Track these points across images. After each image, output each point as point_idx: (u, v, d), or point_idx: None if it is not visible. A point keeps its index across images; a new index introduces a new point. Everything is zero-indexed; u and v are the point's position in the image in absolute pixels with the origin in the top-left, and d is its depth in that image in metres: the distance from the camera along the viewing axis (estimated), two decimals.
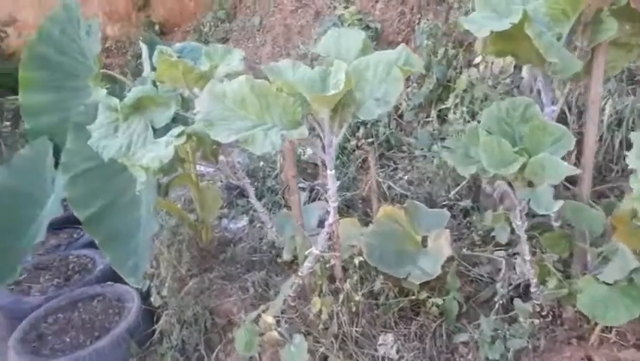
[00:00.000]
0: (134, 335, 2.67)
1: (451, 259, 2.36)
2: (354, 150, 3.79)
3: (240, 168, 2.80)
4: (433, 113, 3.72)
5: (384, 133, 3.81)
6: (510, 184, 2.03)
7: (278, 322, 2.22)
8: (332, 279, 2.31)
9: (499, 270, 2.42)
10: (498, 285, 2.32)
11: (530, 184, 1.97)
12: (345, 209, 3.17)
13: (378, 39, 4.42)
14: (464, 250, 2.66)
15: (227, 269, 2.89)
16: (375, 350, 2.18)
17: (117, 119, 2.22)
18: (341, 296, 2.21)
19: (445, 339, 2.24)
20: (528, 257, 2.14)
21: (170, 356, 2.62)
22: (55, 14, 3.02)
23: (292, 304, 2.35)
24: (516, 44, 1.97)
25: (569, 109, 2.91)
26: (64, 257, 3.45)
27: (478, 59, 3.34)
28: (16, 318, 2.89)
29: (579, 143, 1.99)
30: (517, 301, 2.22)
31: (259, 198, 2.99)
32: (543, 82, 2.14)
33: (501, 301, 2.28)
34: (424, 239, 2.46)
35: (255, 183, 3.54)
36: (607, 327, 2.09)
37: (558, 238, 2.25)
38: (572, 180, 2.35)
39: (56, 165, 2.81)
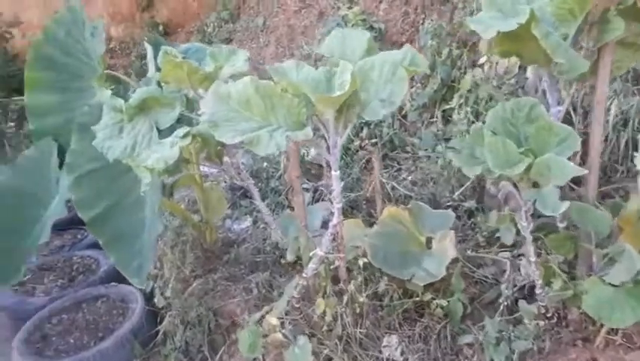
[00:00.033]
0: (137, 336, 2.67)
1: (455, 260, 2.35)
2: (357, 151, 3.79)
3: (244, 169, 2.80)
4: (438, 113, 3.71)
5: (388, 133, 3.80)
6: (515, 185, 2.02)
7: (282, 323, 2.22)
8: (336, 280, 2.30)
9: (504, 271, 2.41)
10: (503, 286, 2.31)
11: (536, 185, 1.96)
12: (349, 210, 3.16)
13: (382, 39, 4.41)
14: (468, 252, 2.65)
15: (231, 270, 2.89)
16: (380, 351, 2.17)
17: (122, 120, 2.23)
18: (345, 298, 2.21)
19: (450, 341, 2.23)
20: (533, 258, 2.12)
21: (173, 357, 2.62)
22: (60, 16, 3.03)
23: (296, 305, 2.34)
24: (522, 45, 1.96)
25: (574, 109, 2.89)
26: (68, 258, 3.46)
27: (482, 60, 3.33)
28: (20, 319, 2.90)
29: (584, 143, 1.98)
30: (522, 303, 2.21)
31: (262, 198, 2.98)
32: (549, 82, 2.13)
33: (506, 303, 2.27)
34: (429, 240, 2.45)
35: (259, 184, 3.55)
36: (613, 329, 2.07)
37: (563, 240, 2.24)
38: (576, 181, 2.34)
39: (61, 165, 2.82)
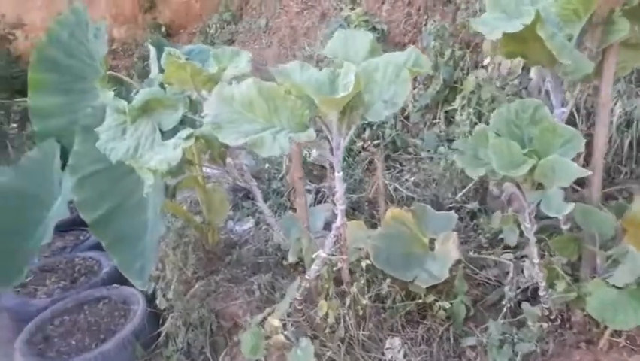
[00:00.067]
0: (139, 338, 2.67)
1: (457, 262, 2.34)
2: (359, 152, 3.78)
3: (247, 171, 2.79)
4: (440, 114, 3.71)
5: (390, 135, 3.80)
6: (519, 186, 2.02)
7: (284, 325, 2.21)
8: (338, 282, 2.30)
9: (507, 273, 2.40)
10: (506, 288, 2.30)
11: (539, 186, 1.95)
12: (351, 211, 3.16)
13: (385, 40, 4.41)
14: (471, 253, 2.64)
15: (233, 272, 2.89)
16: (383, 354, 2.16)
17: (125, 122, 2.23)
18: (348, 300, 2.20)
19: (453, 343, 2.22)
20: (537, 260, 2.12)
21: (175, 359, 2.61)
22: (63, 17, 3.04)
23: (298, 307, 2.33)
24: (527, 46, 1.95)
25: (578, 110, 2.88)
26: (70, 259, 3.46)
27: (486, 61, 3.32)
28: (22, 320, 2.90)
29: (588, 145, 1.97)
30: (525, 305, 2.20)
31: (265, 200, 2.98)
32: (553, 83, 2.12)
33: (509, 305, 2.26)
34: (432, 242, 2.45)
35: (261, 185, 3.54)
36: (616, 331, 2.07)
37: (567, 241, 2.23)
38: (579, 182, 2.33)
39: (63, 167, 2.82)
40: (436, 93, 3.76)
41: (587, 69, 1.89)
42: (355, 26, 4.44)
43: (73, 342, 2.72)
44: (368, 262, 2.28)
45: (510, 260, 2.43)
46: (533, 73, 2.93)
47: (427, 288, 2.26)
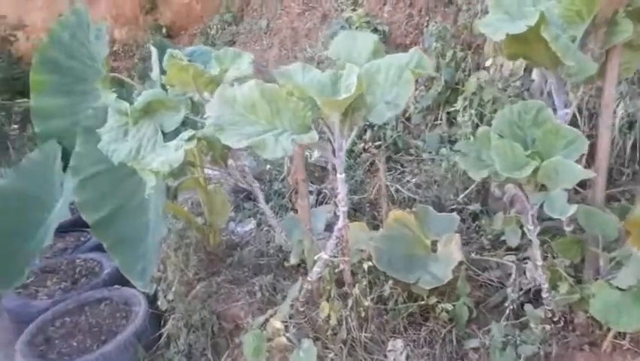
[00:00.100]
0: (141, 339, 2.67)
1: (460, 263, 2.33)
2: (361, 153, 3.78)
3: (249, 172, 2.79)
4: (442, 116, 3.70)
5: (392, 136, 3.79)
6: (521, 188, 2.01)
7: (286, 327, 2.21)
8: (340, 284, 2.29)
9: (509, 275, 2.39)
10: (509, 290, 2.29)
11: (542, 188, 1.95)
12: (353, 212, 3.15)
13: (387, 42, 4.40)
14: (473, 255, 2.64)
15: (235, 273, 2.88)
16: (385, 355, 2.16)
17: (127, 123, 2.22)
18: (350, 301, 2.20)
19: (455, 345, 2.22)
20: (540, 262, 2.11)
21: (177, 360, 2.60)
22: (65, 19, 3.04)
23: (300, 309, 2.33)
24: (530, 47, 1.95)
25: (580, 112, 2.88)
26: (72, 260, 3.46)
27: (488, 62, 3.32)
28: (23, 321, 2.89)
29: (590, 146, 1.97)
30: (528, 307, 2.20)
31: (266, 201, 2.98)
32: (556, 85, 2.12)
33: (511, 307, 2.25)
34: (434, 244, 2.44)
35: (262, 187, 3.53)
36: (620, 333, 2.06)
37: (570, 243, 2.22)
38: (581, 184, 2.33)
39: (65, 168, 2.81)
40: (437, 95, 3.75)
41: (591, 71, 1.89)
42: (357, 28, 4.43)
43: (75, 343, 2.72)
44: (370, 263, 2.27)
45: (512, 262, 2.42)
46: (535, 74, 2.92)
47: (429, 290, 2.26)
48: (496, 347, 2.09)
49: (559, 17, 1.92)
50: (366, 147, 3.78)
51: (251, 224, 3.34)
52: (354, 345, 2.18)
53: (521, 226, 2.35)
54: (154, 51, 2.54)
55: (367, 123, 3.63)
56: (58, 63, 2.97)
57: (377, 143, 3.78)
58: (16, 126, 5.73)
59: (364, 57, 2.03)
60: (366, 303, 2.19)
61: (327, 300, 2.22)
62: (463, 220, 2.86)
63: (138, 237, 2.46)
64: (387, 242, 2.39)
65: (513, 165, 1.87)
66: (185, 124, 2.27)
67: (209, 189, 2.92)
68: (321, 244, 2.33)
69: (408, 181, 3.44)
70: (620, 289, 1.97)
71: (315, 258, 2.20)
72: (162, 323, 2.79)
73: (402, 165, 3.66)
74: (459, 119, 3.43)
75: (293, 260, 2.60)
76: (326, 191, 3.44)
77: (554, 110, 2.18)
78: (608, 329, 2.06)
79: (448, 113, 3.70)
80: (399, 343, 2.17)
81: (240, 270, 2.90)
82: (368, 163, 3.67)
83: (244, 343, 2.22)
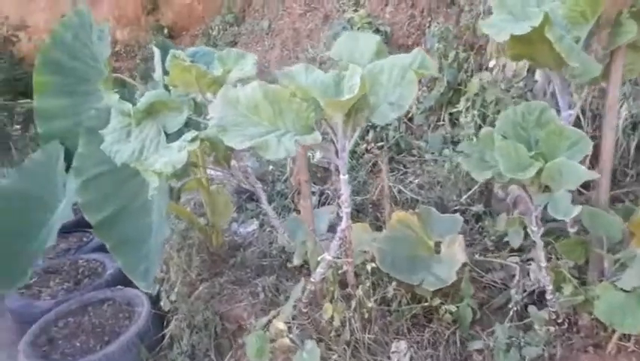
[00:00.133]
0: (143, 340, 2.67)
1: (463, 265, 2.33)
2: (363, 154, 3.77)
3: (252, 173, 2.79)
4: (445, 116, 3.70)
5: (394, 137, 3.79)
6: (525, 189, 2.01)
7: (289, 328, 2.20)
8: (344, 285, 2.29)
9: (513, 276, 2.39)
10: (512, 291, 2.29)
11: (546, 189, 1.95)
12: (355, 213, 3.15)
13: (388, 42, 4.40)
14: (477, 256, 2.63)
15: (238, 274, 2.88)
16: (388, 357, 2.15)
17: (130, 124, 2.22)
18: (353, 303, 2.19)
19: (459, 347, 2.21)
20: (544, 263, 2.11)
21: None
22: (67, 19, 3.04)
23: (304, 310, 2.32)
24: (534, 48, 1.94)
25: (583, 113, 2.87)
26: (74, 261, 3.46)
27: (491, 63, 3.32)
28: (26, 322, 2.90)
29: (594, 147, 1.96)
30: (532, 309, 2.19)
31: (269, 202, 2.98)
32: (560, 86, 2.11)
33: (515, 308, 2.24)
34: (437, 245, 2.44)
35: (265, 188, 3.53)
36: (625, 335, 2.05)
37: (574, 244, 2.22)
38: (585, 185, 2.32)
39: (67, 169, 2.82)
40: (440, 95, 3.75)
41: (595, 72, 1.88)
42: (358, 28, 4.43)
43: (78, 344, 2.72)
44: (373, 264, 2.27)
45: (516, 263, 2.42)
46: (539, 75, 2.92)
47: (432, 291, 2.25)
48: (500, 348, 2.08)
49: (563, 18, 1.91)
50: (369, 148, 3.78)
51: (253, 225, 3.34)
52: (358, 346, 2.18)
53: (524, 227, 2.35)
54: (157, 52, 2.54)
55: (370, 124, 3.63)
56: (61, 64, 2.97)
57: (379, 144, 3.78)
58: (18, 127, 5.74)
59: (367, 58, 2.03)
60: (370, 304, 2.19)
61: (331, 301, 2.21)
62: (466, 221, 2.85)
63: (141, 238, 2.46)
64: (391, 243, 2.38)
65: (517, 166, 1.86)
66: (188, 125, 2.27)
67: (211, 190, 2.92)
68: (323, 245, 2.33)
69: (410, 182, 3.43)
70: (625, 291, 1.96)
71: (319, 259, 2.20)
72: (165, 323, 2.78)
73: (404, 166, 3.66)
74: (461, 120, 3.43)
75: (296, 261, 2.59)
76: (328, 192, 3.43)
77: (558, 111, 2.17)
78: (613, 331, 2.05)
79: (451, 114, 3.70)
80: (402, 344, 2.16)
81: (243, 271, 2.90)
82: (370, 164, 3.67)
83: (247, 344, 2.22)
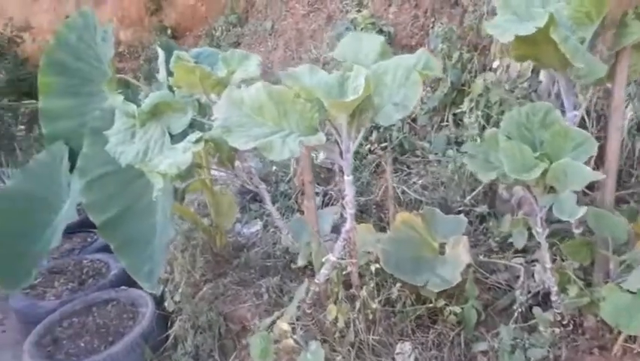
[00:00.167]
0: (148, 341, 2.67)
1: (468, 266, 2.32)
2: (367, 155, 3.77)
3: (255, 174, 2.79)
4: (448, 117, 3.69)
5: (398, 137, 3.78)
6: (529, 190, 2.00)
7: (293, 329, 2.20)
8: (348, 286, 2.29)
9: (517, 277, 2.38)
10: (517, 293, 2.28)
11: (551, 190, 1.94)
12: (359, 214, 3.14)
13: (392, 43, 4.39)
14: (481, 257, 2.62)
15: (241, 274, 2.88)
16: (393, 359, 2.15)
17: (134, 125, 2.23)
18: (357, 304, 2.19)
19: (464, 348, 2.21)
20: (549, 265, 2.10)
21: None
22: (72, 21, 3.05)
23: (308, 311, 2.32)
24: (539, 48, 1.94)
25: (588, 113, 2.86)
26: (79, 261, 3.47)
27: (495, 63, 3.31)
28: (30, 322, 2.91)
29: (599, 148, 1.95)
30: (537, 310, 2.18)
31: (272, 202, 2.98)
32: (565, 87, 2.10)
33: (520, 310, 2.24)
34: (442, 246, 2.43)
35: (268, 188, 3.53)
36: (630, 337, 2.04)
37: (579, 246, 2.21)
38: (590, 186, 2.30)
39: (71, 169, 2.82)
40: (443, 96, 3.74)
41: (600, 73, 1.87)
42: (362, 29, 4.42)
43: (82, 344, 2.73)
44: (377, 265, 2.26)
45: (520, 264, 2.41)
46: (543, 76, 2.91)
47: (437, 292, 2.25)
48: (505, 350, 2.08)
49: (568, 19, 1.91)
50: (372, 149, 3.77)
51: (257, 225, 3.34)
52: (362, 348, 2.17)
53: (529, 228, 2.34)
54: (161, 53, 2.54)
55: (373, 125, 3.63)
56: (66, 65, 2.98)
57: (383, 144, 3.77)
58: (22, 127, 5.76)
59: (371, 59, 2.02)
60: (374, 305, 2.18)
61: (335, 302, 2.21)
62: (470, 222, 2.84)
63: (145, 238, 2.46)
64: (395, 244, 2.38)
65: (521, 167, 1.85)
66: (192, 126, 2.27)
67: (215, 191, 2.93)
68: (327, 245, 2.33)
69: (414, 183, 3.42)
70: (631, 293, 1.95)
71: (323, 260, 2.20)
72: (169, 324, 2.79)
73: (408, 167, 3.65)
74: (465, 120, 3.42)
75: (301, 262, 2.59)
76: (332, 192, 3.43)
77: (562, 111, 2.16)
78: (619, 333, 2.04)
79: (455, 114, 3.69)
80: (407, 346, 2.16)
81: (247, 271, 2.90)
82: (374, 165, 3.66)
83: (251, 345, 2.22)
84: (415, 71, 1.85)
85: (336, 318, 2.17)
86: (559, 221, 2.15)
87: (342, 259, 2.20)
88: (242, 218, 3.43)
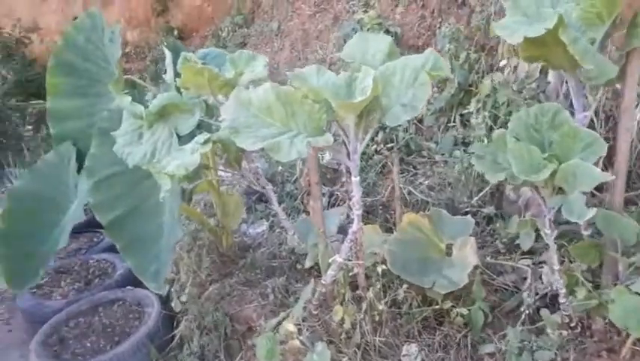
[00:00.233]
0: (153, 341, 2.67)
1: (475, 267, 2.31)
2: (373, 155, 3.76)
3: (262, 174, 2.79)
4: (455, 118, 3.68)
5: (404, 138, 3.77)
6: (538, 191, 1.99)
7: (299, 330, 2.20)
8: (354, 287, 2.28)
9: (525, 279, 2.37)
10: (524, 294, 2.27)
11: (559, 191, 1.93)
12: (365, 215, 3.14)
13: (399, 43, 4.38)
14: (488, 259, 2.61)
15: (247, 275, 2.88)
16: (399, 360, 2.14)
17: (142, 126, 2.23)
18: (364, 305, 2.18)
19: (470, 350, 2.19)
20: (557, 266, 2.08)
21: None
22: (80, 22, 3.07)
23: (314, 312, 2.32)
24: (548, 50, 1.92)
25: (597, 114, 2.84)
26: (85, 261, 3.49)
27: (502, 63, 3.29)
28: (37, 322, 2.92)
29: (607, 149, 1.94)
30: (544, 312, 2.17)
31: (278, 203, 2.98)
32: (575, 88, 2.08)
33: (527, 312, 2.23)
34: (449, 247, 2.42)
35: (274, 189, 3.54)
36: (639, 339, 2.02)
37: (588, 247, 2.19)
38: (598, 188, 2.29)
39: (79, 170, 2.84)
40: (450, 96, 3.73)
41: (611, 74, 1.86)
42: (368, 29, 4.42)
43: (88, 344, 2.73)
44: (384, 267, 2.26)
45: (528, 266, 2.40)
46: (551, 76, 2.89)
47: (444, 294, 2.24)
48: (512, 352, 2.06)
49: (578, 19, 1.89)
50: (379, 149, 3.77)
51: (263, 226, 3.34)
52: (368, 349, 2.17)
53: (536, 230, 2.33)
54: (168, 54, 2.55)
55: (380, 125, 3.62)
56: (74, 66, 3.00)
57: (389, 145, 3.77)
58: (30, 128, 5.80)
59: (379, 59, 2.02)
60: (381, 307, 2.18)
61: (341, 303, 2.21)
62: (477, 223, 2.83)
63: (152, 238, 2.47)
64: (402, 245, 2.37)
65: (530, 168, 1.84)
66: (199, 127, 2.27)
67: (222, 191, 2.93)
68: (335, 246, 2.32)
69: (420, 183, 3.41)
70: None
71: (330, 261, 2.19)
72: (175, 324, 2.79)
73: (414, 167, 3.64)
74: (472, 121, 3.40)
75: (308, 264, 2.59)
76: (338, 193, 3.43)
77: (571, 112, 2.15)
78: (627, 335, 2.02)
79: (462, 115, 3.68)
80: (413, 347, 2.15)
81: (253, 272, 2.90)
82: (380, 165, 3.65)
83: (257, 345, 2.22)
84: (423, 72, 1.84)
85: (343, 319, 2.17)
86: (567, 222, 2.14)
87: (349, 260, 2.20)
88: (248, 218, 3.44)
